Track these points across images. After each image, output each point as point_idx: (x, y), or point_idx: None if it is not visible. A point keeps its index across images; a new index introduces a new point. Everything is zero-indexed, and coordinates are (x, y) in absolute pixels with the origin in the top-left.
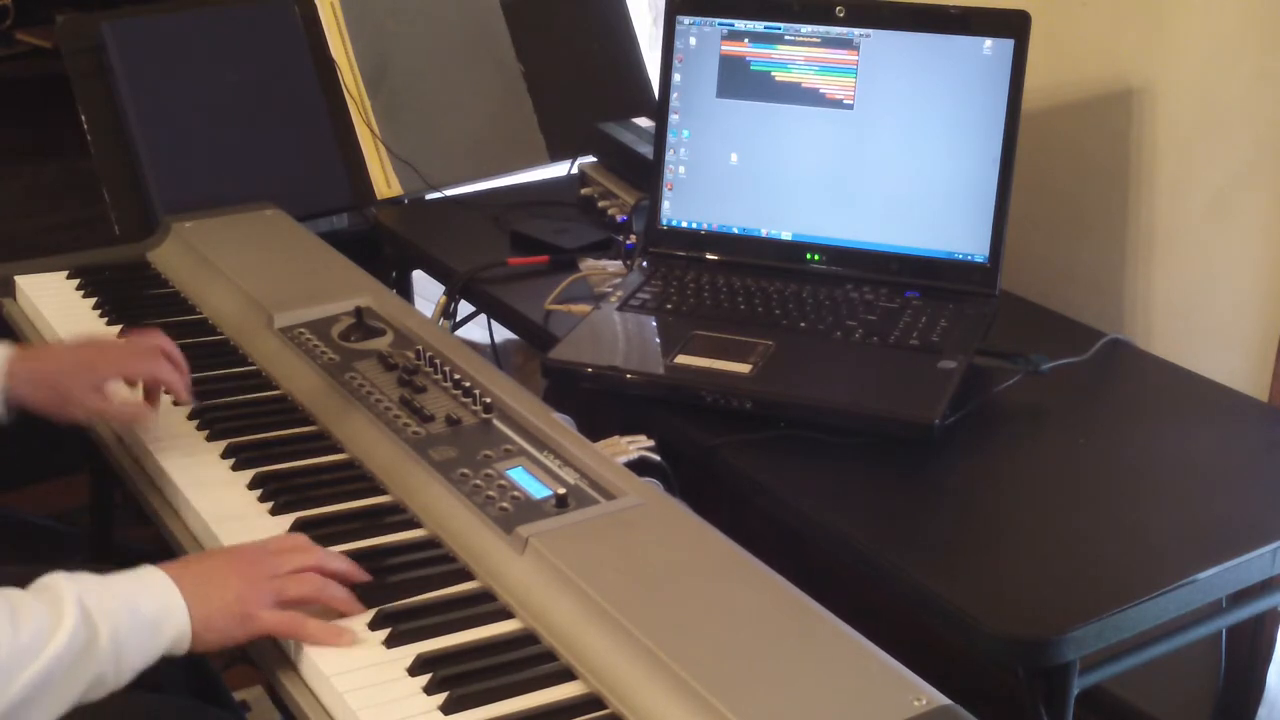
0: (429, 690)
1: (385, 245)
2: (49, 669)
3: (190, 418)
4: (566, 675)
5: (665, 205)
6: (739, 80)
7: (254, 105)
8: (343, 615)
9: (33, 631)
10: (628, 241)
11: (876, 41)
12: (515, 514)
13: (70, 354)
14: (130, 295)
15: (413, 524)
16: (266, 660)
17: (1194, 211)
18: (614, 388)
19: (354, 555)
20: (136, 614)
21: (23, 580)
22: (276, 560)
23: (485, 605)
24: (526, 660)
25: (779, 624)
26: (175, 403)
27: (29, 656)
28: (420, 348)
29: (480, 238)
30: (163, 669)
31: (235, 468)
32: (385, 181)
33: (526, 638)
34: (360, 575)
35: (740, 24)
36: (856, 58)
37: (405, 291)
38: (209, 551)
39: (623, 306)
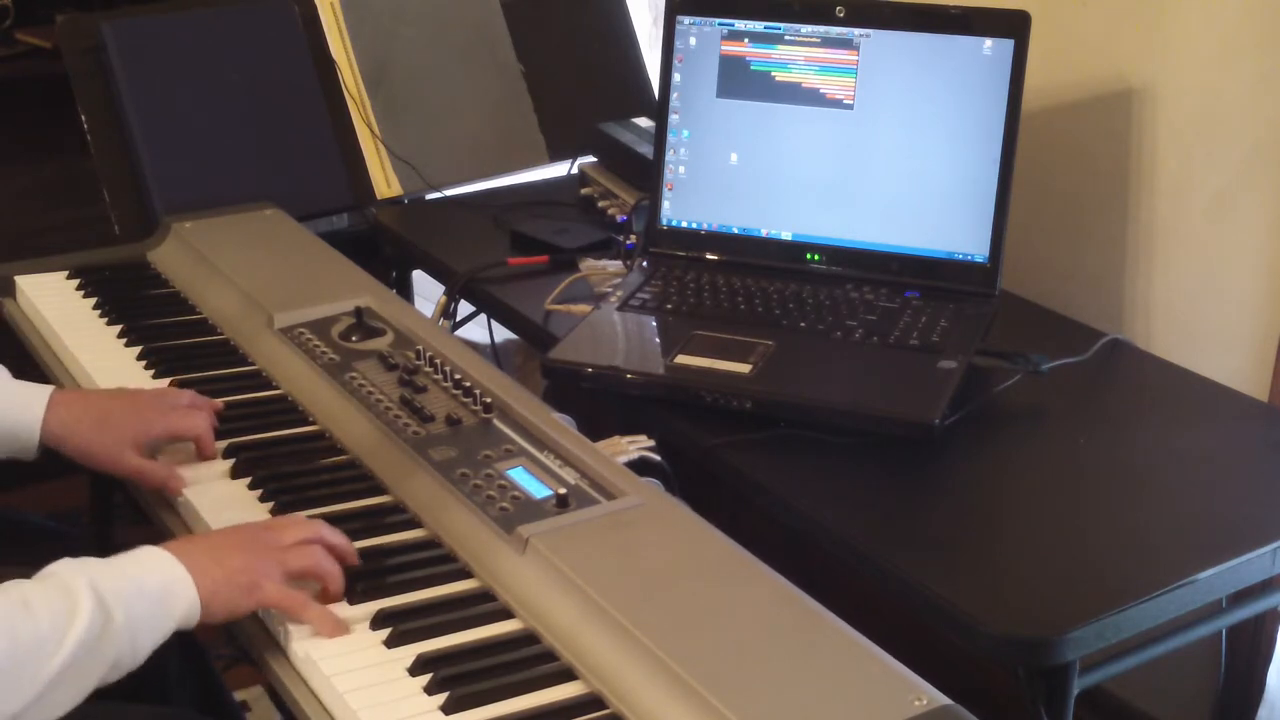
0: (429, 690)
1: (385, 245)
2: (73, 656)
3: None
4: (566, 675)
5: (665, 205)
6: (739, 80)
7: (254, 105)
8: (330, 595)
9: (51, 620)
10: (628, 241)
11: (876, 41)
12: (515, 514)
13: (117, 400)
14: (130, 295)
15: (413, 524)
16: (265, 658)
17: (1194, 211)
18: (614, 388)
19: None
20: (146, 593)
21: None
22: (277, 534)
23: (485, 605)
24: (527, 660)
25: (779, 624)
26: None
27: (53, 645)
28: (420, 348)
29: (480, 238)
30: (168, 675)
31: (235, 468)
32: (385, 181)
33: (526, 638)
34: (352, 554)
35: (740, 24)
36: (856, 58)
37: (405, 291)
38: (210, 532)
39: (623, 306)
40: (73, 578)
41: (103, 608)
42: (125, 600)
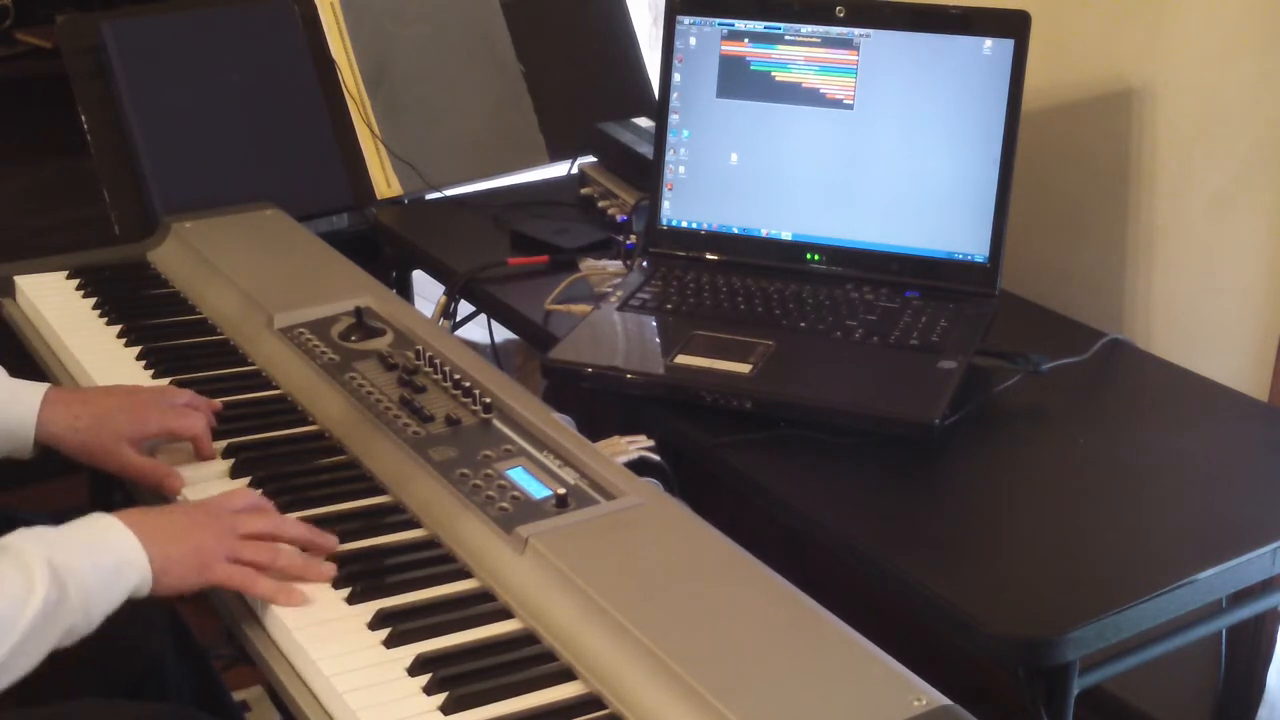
0: (429, 690)
1: (385, 245)
2: (30, 629)
3: None
4: (566, 675)
5: (665, 205)
6: (739, 80)
7: (254, 105)
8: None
9: (9, 597)
10: (628, 241)
11: (876, 41)
12: (515, 514)
13: (114, 397)
14: (130, 295)
15: (413, 524)
16: (265, 658)
17: (1194, 211)
18: (614, 388)
19: (354, 555)
20: (100, 564)
21: None
22: (235, 520)
23: (485, 605)
24: (526, 660)
25: (779, 624)
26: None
27: (10, 622)
28: (420, 348)
29: (480, 238)
30: (168, 673)
31: (235, 467)
32: (385, 181)
33: (526, 638)
34: (320, 540)
35: (740, 24)
36: (856, 58)
37: (405, 291)
38: (168, 505)
39: (623, 306)
40: (28, 551)
41: (58, 581)
42: (79, 573)
